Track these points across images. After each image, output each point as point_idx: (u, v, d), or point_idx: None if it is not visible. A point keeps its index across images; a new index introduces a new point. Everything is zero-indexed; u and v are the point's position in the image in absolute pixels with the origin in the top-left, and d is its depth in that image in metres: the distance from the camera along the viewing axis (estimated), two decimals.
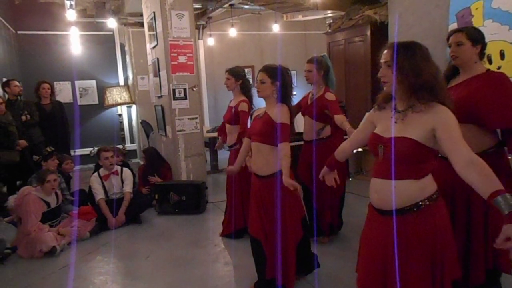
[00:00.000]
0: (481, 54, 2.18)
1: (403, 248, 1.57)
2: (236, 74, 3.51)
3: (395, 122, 1.62)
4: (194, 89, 4.91)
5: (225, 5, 6.78)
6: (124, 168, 4.42)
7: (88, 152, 7.09)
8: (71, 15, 5.82)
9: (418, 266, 1.56)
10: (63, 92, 7.22)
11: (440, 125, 1.51)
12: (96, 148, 5.03)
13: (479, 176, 1.41)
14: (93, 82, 7.49)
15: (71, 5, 5.73)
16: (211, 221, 4.21)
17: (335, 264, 2.98)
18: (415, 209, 1.57)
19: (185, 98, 4.85)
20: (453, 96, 2.12)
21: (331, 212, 3.30)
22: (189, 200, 4.45)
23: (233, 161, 3.50)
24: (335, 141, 3.28)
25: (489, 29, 3.58)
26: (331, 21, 6.59)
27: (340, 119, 3.04)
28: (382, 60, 1.62)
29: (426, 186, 1.60)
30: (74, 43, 7.07)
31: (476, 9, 3.81)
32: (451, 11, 4.04)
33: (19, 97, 5.10)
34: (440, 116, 1.52)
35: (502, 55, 3.54)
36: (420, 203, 1.57)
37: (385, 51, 1.62)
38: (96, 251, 3.58)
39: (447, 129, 1.50)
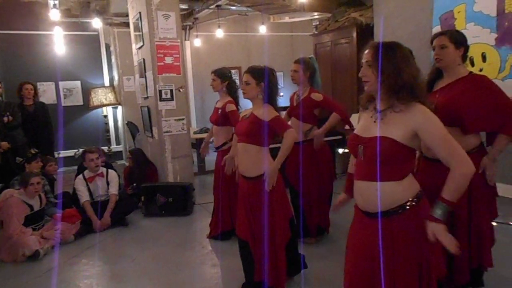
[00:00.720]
0: (464, 57, 2.22)
1: (390, 249, 1.58)
2: (222, 75, 3.50)
3: (374, 122, 1.62)
4: (181, 90, 4.88)
5: (212, 6, 6.77)
6: (110, 170, 4.36)
7: (72, 154, 6.98)
8: (54, 14, 5.72)
9: (406, 266, 1.58)
10: (47, 93, 7.09)
11: (421, 126, 1.52)
12: (81, 150, 4.95)
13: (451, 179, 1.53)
14: (78, 82, 7.38)
15: (54, 5, 5.63)
16: (198, 223, 4.19)
17: (322, 264, 3.00)
18: (400, 211, 1.58)
19: (172, 99, 4.82)
20: (438, 99, 2.17)
21: (318, 213, 3.32)
22: (176, 201, 4.42)
23: (221, 162, 3.50)
24: (323, 143, 3.32)
25: (471, 32, 3.66)
26: (318, 23, 6.65)
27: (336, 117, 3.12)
28: (363, 60, 1.63)
29: (409, 186, 1.61)
30: (58, 43, 6.95)
31: (459, 12, 3.89)
32: (435, 14, 4.12)
33: (0, 98, 4.98)
34: (420, 117, 1.53)
35: (483, 58, 3.62)
36: (406, 204, 1.58)
37: (367, 51, 1.62)
38: (81, 254, 3.52)
39: (429, 132, 1.52)
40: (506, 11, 3.48)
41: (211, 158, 6.95)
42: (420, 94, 1.57)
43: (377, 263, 1.60)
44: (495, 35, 3.57)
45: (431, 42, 2.27)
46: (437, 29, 4.07)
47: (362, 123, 1.71)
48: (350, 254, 1.75)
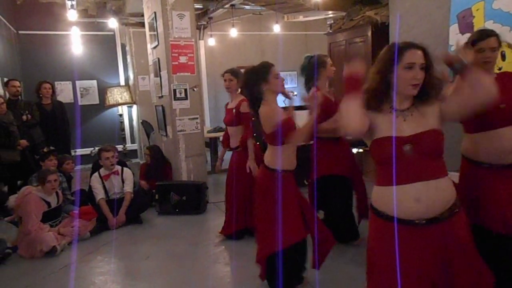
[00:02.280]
0: None
1: (458, 254, 1.50)
2: (239, 75, 3.48)
3: (404, 120, 1.58)
4: (195, 89, 4.91)
5: (226, 6, 6.78)
6: (125, 168, 4.42)
7: (89, 152, 7.08)
8: (72, 15, 5.82)
9: (471, 270, 1.51)
10: (64, 92, 7.22)
11: (443, 102, 1.57)
12: (96, 148, 5.03)
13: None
14: (94, 82, 7.49)
15: (72, 5, 5.73)
16: (212, 222, 4.21)
17: (334, 265, 2.97)
18: (456, 210, 1.54)
19: (186, 98, 4.85)
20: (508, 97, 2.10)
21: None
22: (189, 200, 4.45)
23: (235, 163, 3.50)
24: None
25: None
26: (332, 21, 6.59)
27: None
28: (418, 62, 1.54)
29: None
30: (75, 43, 7.07)
31: (477, 10, 3.80)
32: (452, 12, 4.04)
33: (19, 97, 5.10)
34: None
35: (503, 56, 3.53)
36: (457, 202, 1.56)
37: (416, 52, 1.55)
38: (96, 251, 3.58)
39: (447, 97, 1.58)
40: None
41: (225, 157, 6.97)
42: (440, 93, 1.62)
43: (443, 273, 1.50)
44: None
45: (474, 42, 2.11)
46: (454, 27, 3.99)
47: (388, 125, 1.57)
48: (389, 276, 1.52)
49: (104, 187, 4.21)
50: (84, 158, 6.76)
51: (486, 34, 2.17)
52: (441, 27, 4.11)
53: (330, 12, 6.43)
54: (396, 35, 4.53)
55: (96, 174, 4.27)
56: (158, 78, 5.13)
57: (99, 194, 4.15)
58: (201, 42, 8.38)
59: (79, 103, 7.33)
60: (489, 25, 3.62)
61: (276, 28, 7.90)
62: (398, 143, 1.52)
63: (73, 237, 3.67)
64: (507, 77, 2.13)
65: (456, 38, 3.99)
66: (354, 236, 3.27)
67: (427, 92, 1.57)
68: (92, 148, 7.00)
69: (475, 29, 3.66)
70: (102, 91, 7.42)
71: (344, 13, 6.10)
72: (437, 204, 1.51)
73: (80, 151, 6.85)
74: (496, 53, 2.11)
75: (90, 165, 5.04)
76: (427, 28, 4.22)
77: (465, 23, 3.90)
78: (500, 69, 3.54)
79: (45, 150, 4.35)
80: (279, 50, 8.81)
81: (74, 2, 5.73)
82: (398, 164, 1.51)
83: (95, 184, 4.20)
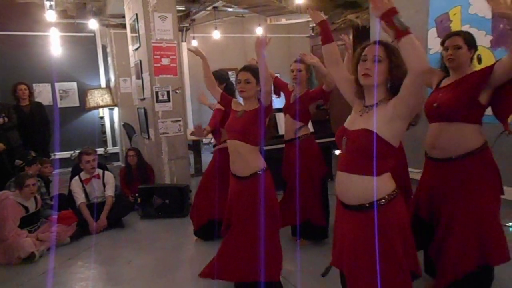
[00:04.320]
0: (472, 59, 2.25)
1: (363, 241, 1.62)
2: (221, 77, 3.49)
3: (361, 115, 1.68)
4: (178, 91, 4.87)
5: (209, 8, 6.77)
6: (106, 172, 4.35)
7: (68, 156, 6.94)
8: (50, 16, 5.70)
9: (373, 257, 1.59)
10: (43, 94, 7.06)
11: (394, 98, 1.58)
12: (77, 151, 4.93)
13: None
14: (74, 84, 7.35)
15: (50, 6, 5.61)
16: None
17: (314, 259, 2.99)
18: (373, 206, 1.60)
19: (168, 100, 4.81)
20: (444, 97, 2.18)
21: (310, 211, 3.29)
22: (172, 203, 4.41)
23: (216, 160, 3.49)
24: (312, 141, 3.34)
25: None
26: (314, 24, 6.65)
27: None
28: (369, 54, 1.63)
29: (385, 184, 1.63)
30: (54, 44, 6.91)
31: (454, 14, 3.91)
32: (430, 16, 4.14)
33: None
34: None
35: (479, 60, 3.64)
36: (380, 201, 1.60)
37: (372, 47, 1.63)
38: (76, 256, 3.50)
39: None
40: None
41: (208, 159, 6.93)
42: None
43: (351, 247, 1.67)
44: (490, 37, 3.59)
45: (443, 43, 2.28)
46: (433, 31, 4.09)
47: (351, 117, 1.78)
48: (335, 235, 1.86)
49: (84, 191, 4.13)
50: (64, 162, 6.63)
51: (451, 33, 2.31)
52: (420, 31, 4.21)
53: None
54: (377, 39, 4.62)
55: (77, 177, 4.19)
56: (140, 80, 5.07)
57: (80, 198, 4.07)
58: (184, 44, 8.33)
59: (58, 106, 7.17)
60: (466, 29, 3.72)
61: (259, 31, 7.92)
62: (342, 134, 1.71)
63: (52, 243, 3.58)
64: (467, 76, 2.19)
65: (435, 42, 4.08)
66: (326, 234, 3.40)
67: (384, 88, 1.64)
68: (72, 151, 6.87)
69: None
70: (82, 93, 7.29)
71: (326, 16, 6.17)
72: (349, 195, 1.67)
73: (59, 155, 6.70)
74: (460, 51, 2.18)
75: (69, 169, 4.94)
76: None
77: (443, 27, 4.01)
78: None
79: (32, 154, 4.24)
80: None
81: (52, 3, 5.62)
82: (342, 152, 1.74)
83: (75, 188, 4.12)
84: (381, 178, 1.62)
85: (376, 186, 1.60)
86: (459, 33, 2.27)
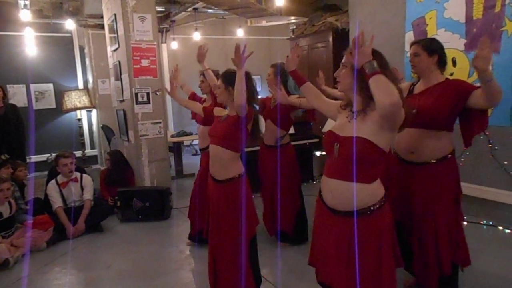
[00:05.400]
0: (441, 63, 2.30)
1: (353, 246, 1.64)
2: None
3: (349, 122, 1.69)
4: (158, 93, 4.82)
5: (189, 9, 6.73)
6: (84, 175, 4.26)
7: (44, 159, 6.76)
8: (25, 15, 5.54)
9: (368, 263, 1.63)
10: (17, 95, 6.85)
11: None
12: (53, 154, 4.81)
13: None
14: (50, 85, 7.16)
15: (25, 5, 5.46)
16: (176, 227, 4.14)
17: (294, 260, 3.01)
18: (368, 212, 1.64)
19: (148, 102, 4.75)
20: (419, 103, 2.25)
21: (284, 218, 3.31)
22: (153, 206, 4.35)
23: (205, 163, 3.45)
24: (291, 148, 3.37)
25: (442, 38, 3.77)
26: (295, 27, 6.71)
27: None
28: (343, 61, 1.69)
29: (376, 190, 1.67)
30: (29, 44, 6.73)
31: (430, 18, 4.01)
32: (407, 20, 4.23)
33: None
34: None
35: (454, 63, 3.75)
36: (372, 207, 1.64)
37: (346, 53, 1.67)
38: (53, 262, 3.41)
39: None
40: (474, 18, 3.61)
41: (189, 161, 6.87)
42: None
43: (341, 257, 1.67)
44: (464, 41, 3.70)
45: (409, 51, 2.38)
46: (409, 34, 4.19)
47: (339, 122, 1.78)
48: (318, 244, 1.83)
49: (61, 195, 4.03)
50: (39, 165, 6.44)
51: (412, 42, 2.41)
52: (398, 34, 4.30)
53: (292, 17, 6.55)
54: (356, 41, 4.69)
55: (53, 181, 4.09)
56: (119, 82, 5.00)
57: (56, 203, 3.97)
58: (164, 46, 8.25)
59: (34, 108, 6.98)
60: (441, 32, 3.83)
61: (240, 33, 7.93)
62: (332, 140, 1.71)
63: (27, 249, 3.48)
64: (443, 85, 2.26)
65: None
66: (306, 237, 3.41)
67: (363, 94, 1.64)
68: (49, 155, 6.69)
69: (428, 36, 3.86)
70: (59, 95, 7.12)
71: (306, 19, 6.23)
72: (342, 202, 1.67)
73: (35, 158, 6.53)
74: (419, 58, 2.28)
75: (45, 172, 4.81)
76: (385, 34, 4.39)
77: (419, 30, 4.10)
78: (451, 74, 3.75)
79: (3, 157, 4.10)
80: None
81: (27, 2, 5.47)
82: (330, 158, 1.73)
83: (51, 192, 4.01)
84: (374, 184, 1.65)
85: (370, 193, 1.64)
86: (418, 41, 2.36)
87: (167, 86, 3.83)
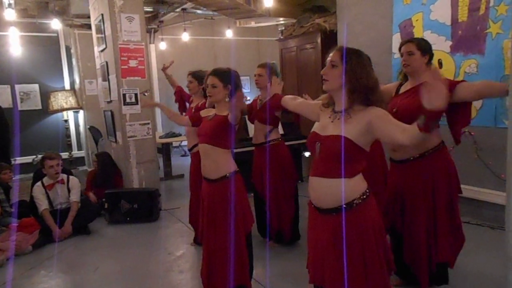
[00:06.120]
0: (429, 63, 2.35)
1: (338, 243, 1.65)
2: (200, 78, 3.44)
3: (332, 121, 1.71)
4: (146, 94, 4.78)
5: (177, 10, 6.70)
6: (71, 177, 4.19)
7: (30, 161, 6.65)
8: (9, 14, 5.45)
9: (353, 259, 1.64)
10: (2, 96, 6.74)
11: (376, 117, 1.61)
12: (39, 156, 4.73)
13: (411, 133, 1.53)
14: (36, 86, 7.06)
15: (10, 4, 5.37)
16: (165, 229, 4.10)
17: (285, 263, 3.02)
18: (351, 207, 1.65)
19: (136, 103, 4.71)
20: (400, 102, 2.28)
21: (278, 217, 3.31)
22: (141, 208, 4.31)
23: (195, 164, 3.44)
24: (282, 145, 3.36)
25: (428, 40, 3.82)
26: (283, 28, 6.73)
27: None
28: (328, 59, 1.71)
29: (357, 185, 1.69)
30: (14, 44, 6.62)
31: (417, 20, 4.06)
32: (395, 22, 4.28)
33: None
34: (376, 111, 1.64)
35: (440, 64, 3.80)
36: (354, 202, 1.66)
37: (333, 52, 1.70)
38: (39, 265, 3.35)
39: (383, 118, 1.61)
40: (459, 20, 3.67)
41: (177, 162, 6.83)
42: (376, 99, 1.66)
43: (329, 254, 1.68)
44: (450, 43, 3.76)
45: (400, 49, 2.41)
46: (397, 36, 4.23)
47: (321, 122, 1.81)
48: (310, 249, 1.84)
49: (48, 197, 3.96)
50: (24, 167, 6.33)
51: (405, 40, 2.45)
52: (385, 36, 4.35)
53: (281, 18, 6.56)
54: (344, 43, 4.72)
55: (39, 183, 4.01)
56: (107, 82, 4.94)
57: (42, 205, 3.90)
58: (152, 46, 8.20)
59: (19, 108, 6.86)
60: (427, 34, 3.88)
61: (229, 33, 7.93)
62: (314, 140, 1.74)
63: (12, 252, 3.41)
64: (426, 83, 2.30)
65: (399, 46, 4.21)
66: (297, 236, 3.41)
67: (349, 94, 1.67)
68: (34, 156, 6.58)
69: None
70: (45, 96, 7.02)
71: (294, 20, 6.25)
72: (324, 198, 1.70)
73: (20, 160, 6.40)
74: (414, 57, 2.31)
75: (31, 175, 4.73)
76: (373, 36, 4.44)
77: (406, 32, 4.15)
78: None
79: None
80: (231, 55, 8.83)
81: (12, 1, 5.38)
82: (314, 157, 1.76)
83: (37, 194, 3.94)
84: (355, 179, 1.67)
85: (351, 188, 1.65)
86: (412, 40, 2.40)
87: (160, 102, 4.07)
